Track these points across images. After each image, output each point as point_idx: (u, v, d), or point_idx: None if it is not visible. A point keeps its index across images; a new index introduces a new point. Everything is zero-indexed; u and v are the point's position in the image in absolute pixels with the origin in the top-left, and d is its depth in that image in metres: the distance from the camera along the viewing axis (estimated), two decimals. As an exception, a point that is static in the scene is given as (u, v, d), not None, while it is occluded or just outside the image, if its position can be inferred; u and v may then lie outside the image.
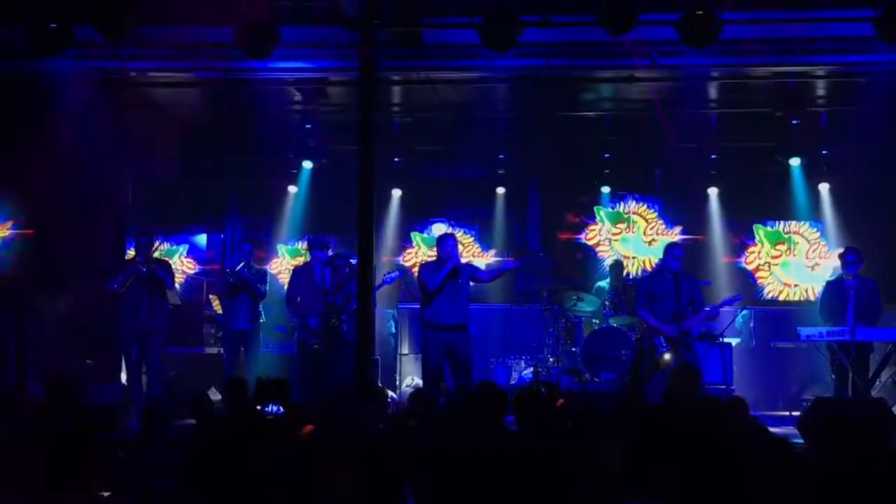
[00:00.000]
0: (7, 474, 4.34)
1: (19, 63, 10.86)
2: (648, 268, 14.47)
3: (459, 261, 10.18)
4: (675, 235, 14.74)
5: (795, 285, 14.55)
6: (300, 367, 11.02)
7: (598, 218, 15.12)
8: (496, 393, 6.41)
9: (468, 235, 15.46)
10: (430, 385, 9.93)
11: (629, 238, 15.01)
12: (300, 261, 13.93)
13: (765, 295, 14.56)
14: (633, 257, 14.95)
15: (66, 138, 11.54)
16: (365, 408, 7.08)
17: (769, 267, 14.66)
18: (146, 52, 10.89)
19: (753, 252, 14.72)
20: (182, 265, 15.28)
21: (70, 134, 11.51)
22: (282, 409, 5.94)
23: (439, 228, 15.30)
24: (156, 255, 11.20)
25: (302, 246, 14.29)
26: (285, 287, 15.12)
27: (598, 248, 15.05)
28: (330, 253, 10.73)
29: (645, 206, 15.09)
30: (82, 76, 11.08)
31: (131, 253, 11.80)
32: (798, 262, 14.54)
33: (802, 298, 14.22)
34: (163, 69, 11.45)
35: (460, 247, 10.59)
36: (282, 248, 15.54)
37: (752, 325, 13.42)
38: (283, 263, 15.41)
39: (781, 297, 14.55)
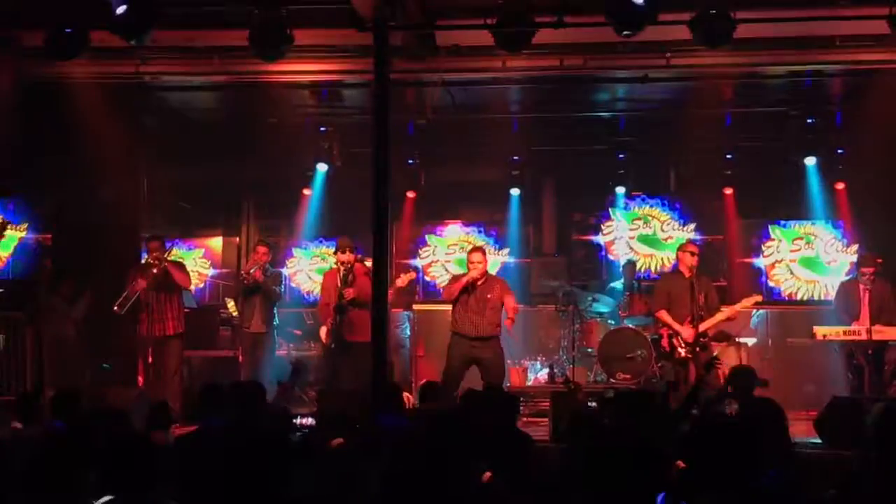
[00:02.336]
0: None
1: (36, 67, 10.92)
2: (666, 265, 14.39)
3: (482, 276, 10.20)
4: (690, 232, 14.71)
5: (813, 281, 14.47)
6: (321, 368, 11.04)
7: (613, 217, 15.09)
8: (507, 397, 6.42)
9: (483, 238, 15.45)
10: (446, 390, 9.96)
11: (646, 234, 14.97)
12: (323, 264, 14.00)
13: (783, 292, 14.50)
14: (651, 255, 14.91)
15: (82, 142, 11.58)
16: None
17: (787, 264, 14.58)
18: (160, 55, 10.94)
19: (771, 247, 14.64)
20: (197, 267, 15.35)
21: (85, 138, 11.55)
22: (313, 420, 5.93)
23: (454, 230, 15.36)
24: (171, 257, 11.22)
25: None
26: (301, 289, 15.29)
27: (613, 248, 15.01)
28: (344, 255, 10.70)
29: (657, 208, 15.05)
30: (97, 80, 11.11)
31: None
32: (816, 257, 14.47)
33: (823, 296, 14.09)
34: (177, 73, 11.48)
35: (487, 260, 10.55)
36: (297, 251, 15.58)
37: (767, 324, 13.38)
38: (299, 266, 15.46)
39: (800, 295, 14.47)
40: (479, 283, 10.20)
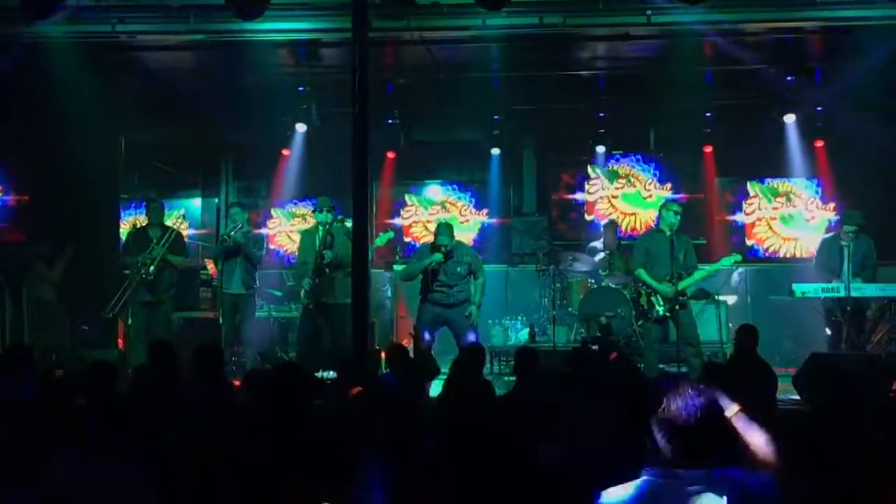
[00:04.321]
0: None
1: (11, 28, 10.80)
2: (649, 223, 14.40)
3: (450, 251, 10.21)
4: (668, 191, 14.75)
5: (795, 239, 14.55)
6: (300, 329, 11.04)
7: (595, 176, 15.07)
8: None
9: (462, 199, 15.43)
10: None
11: (629, 193, 14.99)
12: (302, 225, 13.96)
13: (764, 251, 14.57)
14: (633, 213, 14.92)
15: (59, 103, 11.48)
16: None
17: (768, 222, 14.65)
18: (136, 14, 10.83)
19: (752, 204, 14.69)
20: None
21: (62, 98, 11.45)
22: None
23: (434, 190, 15.34)
24: (171, 224, 11.27)
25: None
26: (281, 250, 15.27)
27: (595, 207, 15.01)
28: (322, 215, 10.65)
29: (637, 167, 15.04)
30: (73, 40, 11.00)
31: (137, 220, 11.79)
32: (798, 214, 14.54)
33: (806, 254, 14.14)
34: (153, 32, 11.36)
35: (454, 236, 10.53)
36: (277, 212, 15.54)
37: (747, 282, 13.44)
38: (279, 226, 15.43)
39: (782, 253, 14.55)
40: (448, 258, 10.21)
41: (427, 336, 10.24)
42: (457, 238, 10.61)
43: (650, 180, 14.97)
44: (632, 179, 15.03)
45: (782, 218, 14.59)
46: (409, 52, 12.51)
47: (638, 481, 3.25)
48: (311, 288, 10.45)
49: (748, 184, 14.75)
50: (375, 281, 12.60)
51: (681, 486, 3.16)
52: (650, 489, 3.22)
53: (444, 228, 10.45)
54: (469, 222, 15.23)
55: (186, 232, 15.48)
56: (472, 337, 10.03)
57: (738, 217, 14.73)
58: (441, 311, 10.26)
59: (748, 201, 14.71)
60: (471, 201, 15.38)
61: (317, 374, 8.71)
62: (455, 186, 15.49)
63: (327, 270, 10.40)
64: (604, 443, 4.72)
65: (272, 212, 15.55)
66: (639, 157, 15.09)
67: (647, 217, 14.66)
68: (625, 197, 14.99)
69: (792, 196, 14.62)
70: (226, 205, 15.48)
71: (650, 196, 14.85)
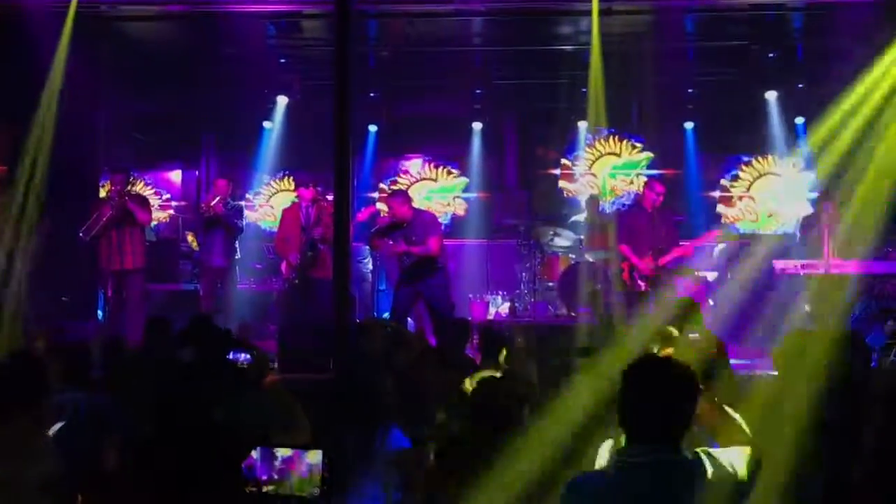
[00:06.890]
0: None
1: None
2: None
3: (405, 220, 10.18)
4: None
5: (775, 214, 14.65)
6: (284, 303, 11.02)
7: (577, 151, 15.11)
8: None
9: (448, 168, 15.47)
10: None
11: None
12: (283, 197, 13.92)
13: (747, 225, 14.68)
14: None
15: (38, 74, 11.38)
16: None
17: (749, 197, 14.75)
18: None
19: (737, 183, 14.79)
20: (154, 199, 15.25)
21: (41, 69, 11.34)
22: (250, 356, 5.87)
23: (415, 165, 15.34)
24: (133, 191, 11.13)
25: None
26: (259, 223, 15.25)
27: (576, 182, 15.05)
28: (306, 191, 10.63)
29: (627, 139, 15.10)
30: (54, 9, 10.90)
31: (106, 187, 11.75)
32: (778, 190, 14.68)
33: (786, 229, 14.22)
34: (133, 3, 11.27)
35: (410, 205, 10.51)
36: (257, 184, 15.50)
37: (727, 258, 13.48)
38: (260, 199, 15.40)
39: (762, 228, 14.65)
40: (405, 226, 10.16)
41: None
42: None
43: (632, 150, 15.02)
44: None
45: (762, 194, 14.67)
46: (392, 26, 12.45)
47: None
48: (298, 263, 10.46)
49: (743, 159, 14.79)
50: (357, 254, 12.61)
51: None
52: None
53: (395, 194, 10.57)
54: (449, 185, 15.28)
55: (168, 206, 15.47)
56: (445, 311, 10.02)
57: (718, 193, 14.79)
58: (413, 279, 10.14)
59: (732, 178, 14.79)
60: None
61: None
62: (438, 160, 15.49)
63: (320, 247, 10.41)
64: None
65: (253, 184, 15.50)
66: (619, 131, 15.13)
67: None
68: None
69: (773, 172, 14.70)
70: (207, 177, 15.43)
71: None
